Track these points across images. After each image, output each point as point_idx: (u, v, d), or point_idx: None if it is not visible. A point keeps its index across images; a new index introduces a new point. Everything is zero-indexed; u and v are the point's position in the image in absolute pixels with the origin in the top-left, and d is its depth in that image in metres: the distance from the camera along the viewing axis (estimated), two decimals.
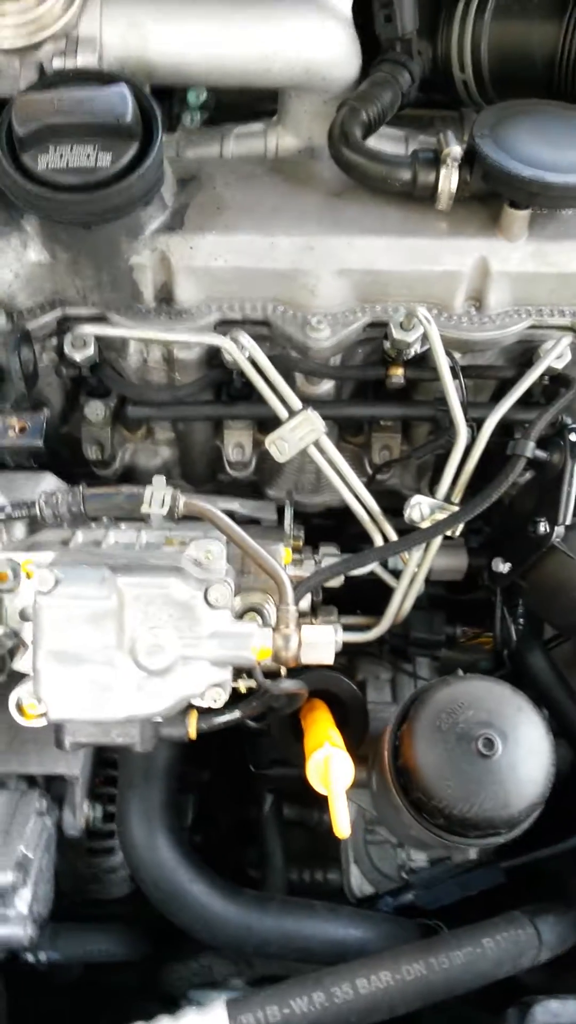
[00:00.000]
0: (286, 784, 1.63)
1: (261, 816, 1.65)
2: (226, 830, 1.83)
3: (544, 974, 1.25)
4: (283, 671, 1.17)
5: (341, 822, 0.95)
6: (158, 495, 1.06)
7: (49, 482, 1.27)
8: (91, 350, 1.28)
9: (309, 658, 1.05)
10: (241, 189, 1.34)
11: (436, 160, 1.26)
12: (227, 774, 1.79)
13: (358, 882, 1.59)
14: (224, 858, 1.81)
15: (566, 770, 1.49)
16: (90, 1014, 1.64)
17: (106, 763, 1.49)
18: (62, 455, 1.53)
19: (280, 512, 1.49)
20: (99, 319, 1.30)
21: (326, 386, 1.35)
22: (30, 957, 1.40)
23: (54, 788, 1.43)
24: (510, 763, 1.06)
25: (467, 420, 1.23)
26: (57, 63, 1.28)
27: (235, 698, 1.16)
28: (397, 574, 1.38)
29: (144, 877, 1.33)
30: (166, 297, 1.30)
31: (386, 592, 1.39)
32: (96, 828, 1.46)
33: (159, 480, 1.08)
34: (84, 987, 1.64)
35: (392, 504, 1.41)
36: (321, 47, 1.33)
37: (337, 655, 1.26)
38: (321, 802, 1.58)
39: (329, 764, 0.99)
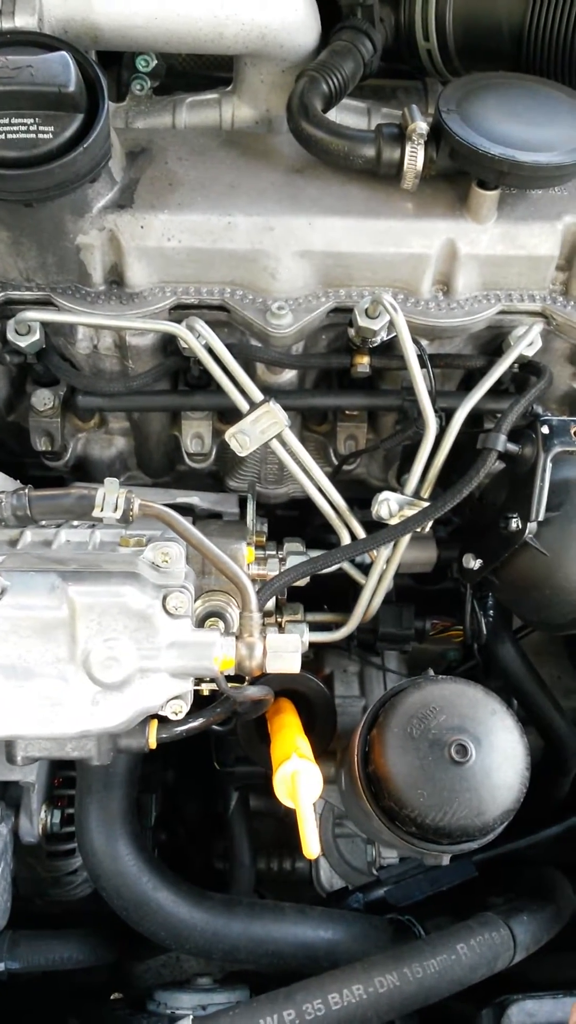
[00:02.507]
0: (252, 780, 1.60)
1: (227, 814, 1.61)
2: (192, 824, 1.79)
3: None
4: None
5: (310, 842, 0.91)
6: (111, 498, 0.99)
7: None
8: (36, 336, 1.20)
9: (274, 667, 1.00)
10: (195, 164, 1.26)
11: (401, 136, 1.19)
12: (192, 769, 1.75)
13: (327, 875, 1.57)
14: (191, 853, 1.78)
15: (536, 759, 1.48)
16: (56, 1014, 1.61)
17: (64, 763, 1.44)
18: (8, 446, 1.45)
19: (242, 504, 1.43)
20: (44, 303, 1.22)
21: (288, 375, 1.29)
22: None
23: (9, 793, 1.38)
24: (484, 769, 1.03)
25: (435, 410, 1.18)
26: None
27: (198, 702, 1.11)
28: (364, 568, 1.33)
29: (105, 886, 1.29)
30: (116, 279, 1.23)
31: (353, 584, 1.35)
32: (54, 832, 1.41)
33: (112, 482, 1.01)
34: (48, 985, 1.60)
35: (358, 494, 1.36)
36: (277, 11, 1.25)
37: None
38: None
39: (297, 779, 0.95)
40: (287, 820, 1.77)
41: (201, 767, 1.68)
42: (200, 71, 1.57)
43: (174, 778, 1.71)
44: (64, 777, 1.45)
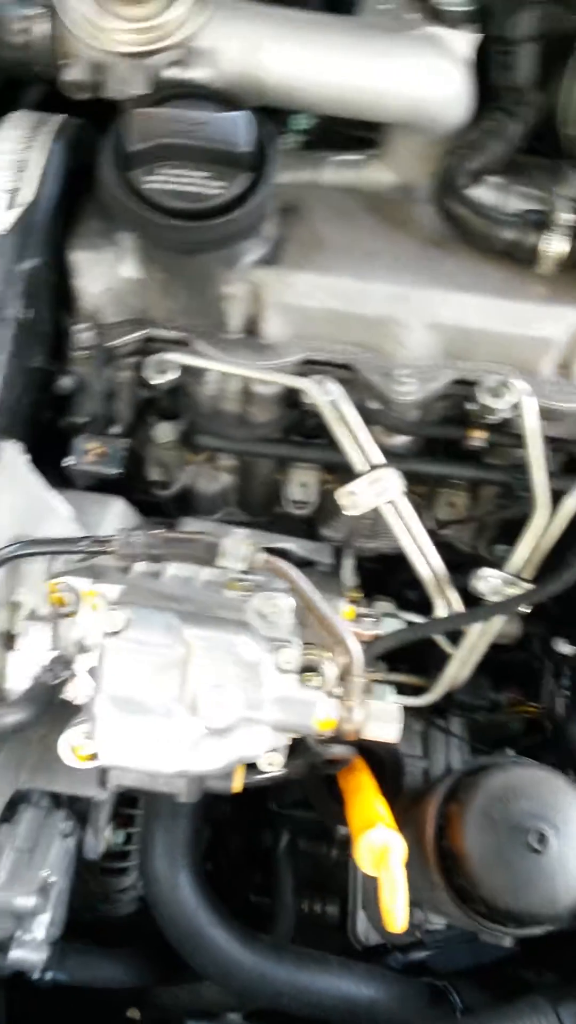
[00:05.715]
0: (307, 825, 1.61)
1: (276, 853, 1.63)
2: (235, 855, 1.81)
3: None
4: None
5: (398, 915, 0.93)
6: (238, 549, 1.02)
7: (118, 508, 1.23)
8: (173, 375, 1.25)
9: (372, 734, 1.02)
10: (339, 227, 1.30)
11: (543, 224, 1.22)
12: (240, 800, 1.76)
13: (364, 928, 1.57)
14: (231, 884, 1.79)
15: None
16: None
17: None
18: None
19: (335, 554, 1.45)
20: (182, 343, 1.27)
21: (402, 439, 1.32)
22: (35, 975, 1.38)
23: (76, 806, 1.41)
24: (561, 860, 1.04)
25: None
26: (169, 72, 1.24)
27: None
28: (451, 634, 1.35)
29: (163, 913, 1.31)
30: (251, 329, 1.27)
31: (433, 646, 1.36)
32: (114, 851, 1.44)
33: (238, 534, 1.04)
34: (73, 993, 1.61)
35: (446, 557, 1.37)
36: (436, 87, 1.28)
37: None
38: (334, 838, 1.56)
39: (388, 852, 0.96)
40: (325, 862, 1.79)
41: (250, 800, 1.69)
42: (341, 129, 1.62)
43: (230, 811, 1.72)
44: (124, 797, 1.48)
